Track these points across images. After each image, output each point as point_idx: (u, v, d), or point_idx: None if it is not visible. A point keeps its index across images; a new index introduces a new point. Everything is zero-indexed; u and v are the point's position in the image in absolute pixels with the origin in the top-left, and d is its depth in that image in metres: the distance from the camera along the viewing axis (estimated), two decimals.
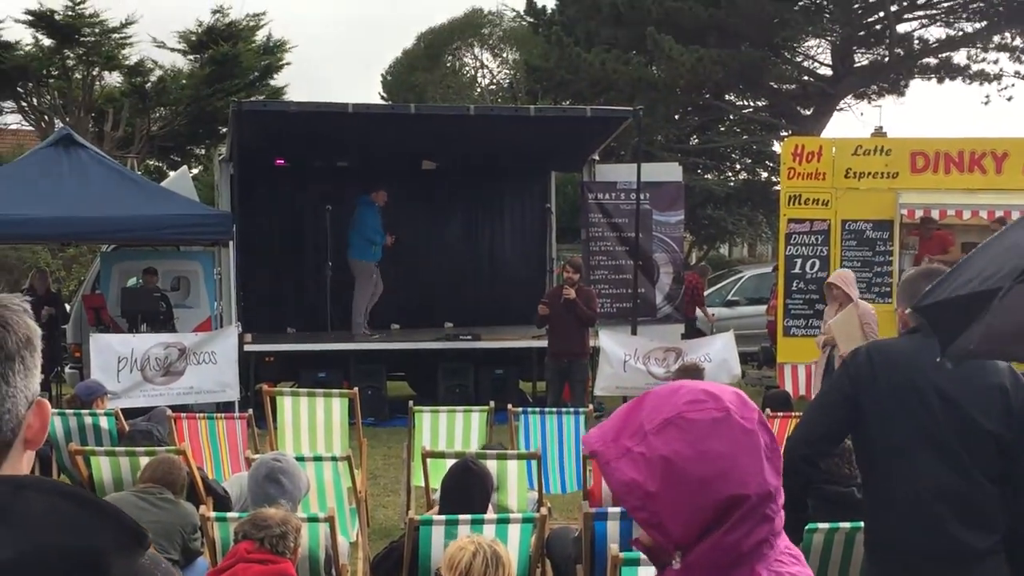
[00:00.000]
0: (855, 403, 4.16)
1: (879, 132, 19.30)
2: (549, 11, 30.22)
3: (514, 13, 41.35)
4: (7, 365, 1.73)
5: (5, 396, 1.72)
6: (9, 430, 1.73)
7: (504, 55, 47.06)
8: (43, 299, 15.74)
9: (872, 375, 4.15)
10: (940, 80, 27.61)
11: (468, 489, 5.85)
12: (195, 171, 29.80)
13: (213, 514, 5.75)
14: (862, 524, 5.12)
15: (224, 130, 21.65)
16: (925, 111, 70.11)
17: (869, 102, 30.83)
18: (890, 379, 4.12)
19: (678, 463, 1.94)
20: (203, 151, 33.12)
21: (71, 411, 9.02)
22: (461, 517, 5.52)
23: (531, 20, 31.94)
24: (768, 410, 8.88)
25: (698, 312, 19.15)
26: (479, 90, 44.93)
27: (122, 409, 9.44)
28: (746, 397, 2.06)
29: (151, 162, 32.53)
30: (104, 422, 8.85)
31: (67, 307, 17.78)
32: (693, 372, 9.59)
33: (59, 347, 16.03)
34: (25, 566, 1.55)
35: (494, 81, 47.27)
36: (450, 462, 6.42)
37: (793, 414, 8.93)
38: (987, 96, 34.12)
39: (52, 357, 15.67)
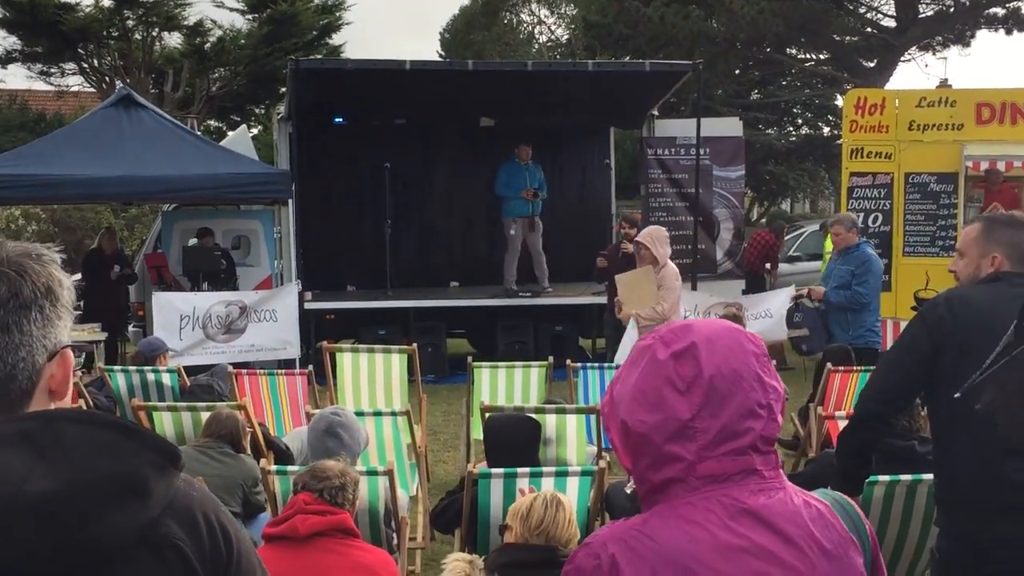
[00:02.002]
0: (934, 356, 4.08)
1: (944, 84, 19.00)
2: None
3: None
4: (21, 314, 1.73)
5: (19, 344, 1.73)
6: (25, 379, 1.74)
7: (562, 10, 46.71)
8: (111, 258, 15.92)
9: (952, 325, 4.05)
10: (1008, 31, 27.04)
11: (497, 446, 5.91)
12: (255, 130, 29.99)
13: (274, 467, 5.79)
14: (923, 477, 5.08)
15: (283, 89, 21.67)
16: (991, 63, 68.73)
17: (934, 54, 30.33)
18: (971, 329, 4.02)
19: (611, 390, 2.08)
20: (262, 110, 33.26)
21: (134, 368, 9.14)
22: (520, 470, 5.53)
23: None
24: (829, 364, 8.79)
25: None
26: (537, 47, 44.70)
27: (185, 367, 9.54)
28: (698, 329, 2.05)
29: (211, 122, 32.71)
30: (166, 378, 8.96)
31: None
32: (733, 321, 9.54)
33: (127, 305, 16.21)
34: (70, 496, 1.57)
35: (552, 38, 46.99)
36: None
37: (854, 368, 8.82)
38: None
39: (120, 314, 15.87)
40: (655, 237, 9.70)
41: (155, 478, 1.65)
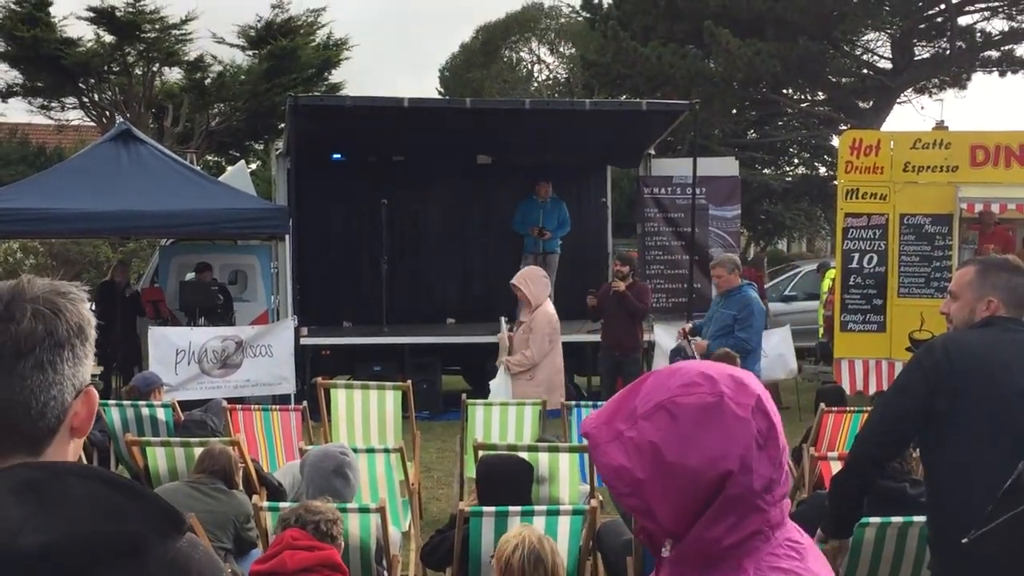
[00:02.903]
0: (930, 399, 4.10)
1: (940, 126, 19.07)
2: (605, 6, 30.13)
3: (570, 8, 41.33)
4: (56, 352, 1.75)
5: (52, 383, 1.74)
6: (53, 417, 1.75)
7: (561, 50, 46.96)
8: (122, 292, 15.94)
9: (948, 370, 4.08)
10: (1002, 73, 27.20)
11: (493, 484, 5.91)
12: (253, 166, 30.07)
13: (266, 504, 5.80)
14: (914, 519, 5.09)
15: (282, 125, 21.80)
16: (987, 105, 69.05)
17: (930, 96, 30.46)
18: (968, 374, 4.06)
19: (665, 449, 1.89)
20: (261, 146, 33.39)
21: (128, 402, 9.14)
22: (511, 509, 5.54)
23: (587, 15, 31.86)
24: (822, 405, 8.80)
25: None
26: (535, 85, 44.91)
27: (180, 401, 9.55)
28: (748, 381, 1.99)
29: (210, 157, 32.82)
30: (161, 413, 8.97)
31: None
32: (724, 359, 9.54)
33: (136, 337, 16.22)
34: (65, 549, 1.58)
35: (551, 76, 47.21)
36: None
37: (847, 409, 8.83)
38: None
39: (132, 347, 15.80)
40: (527, 277, 9.80)
41: (154, 541, 1.67)
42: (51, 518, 1.60)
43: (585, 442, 6.21)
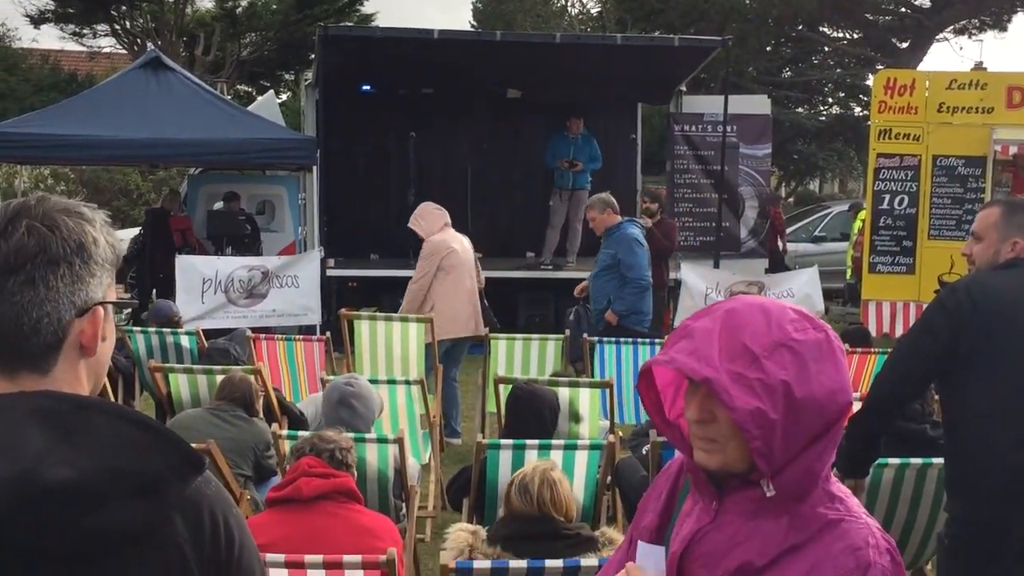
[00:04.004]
0: (952, 342, 4.06)
1: (979, 67, 18.80)
2: None
3: None
4: (48, 269, 1.74)
5: (45, 300, 1.74)
6: (49, 333, 1.74)
7: None
8: (175, 220, 15.97)
9: (971, 312, 4.05)
10: None
11: (518, 414, 5.90)
12: (283, 96, 30.01)
13: (285, 432, 5.83)
14: (933, 461, 5.07)
15: (312, 56, 21.71)
16: None
17: (969, 36, 30.00)
18: (991, 316, 4.03)
19: (796, 387, 1.92)
20: (291, 77, 33.31)
21: (154, 329, 9.20)
22: (528, 442, 5.55)
23: None
24: (847, 346, 8.76)
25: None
26: (568, 19, 44.49)
27: (205, 331, 9.59)
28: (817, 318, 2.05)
29: (240, 87, 32.78)
30: (185, 340, 9.03)
31: None
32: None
33: None
34: (87, 485, 1.58)
35: (584, 10, 46.76)
36: None
37: (872, 350, 8.79)
38: None
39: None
40: (417, 214, 9.78)
41: (173, 481, 1.68)
42: (76, 452, 1.60)
43: (607, 377, 6.18)
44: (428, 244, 9.53)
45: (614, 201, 10.22)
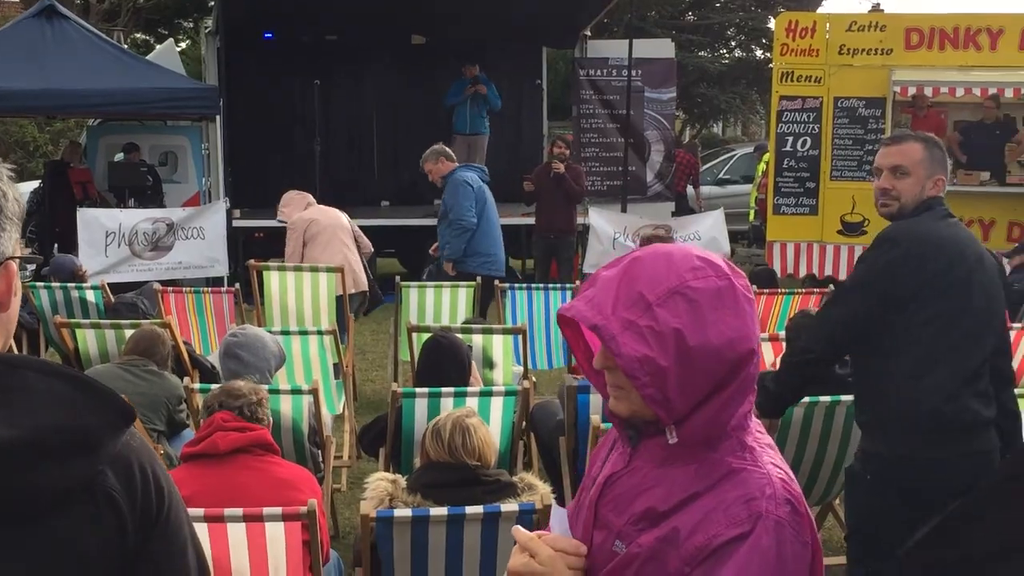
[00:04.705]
0: (901, 291, 4.11)
1: (876, 9, 19.01)
2: None
3: None
4: None
5: None
6: None
7: None
8: (75, 172, 15.62)
9: (919, 261, 4.10)
10: None
11: (439, 363, 5.89)
12: (182, 45, 29.43)
13: (197, 385, 5.78)
14: (841, 398, 5.18)
15: (211, 3, 21.31)
16: None
17: None
18: (936, 266, 4.11)
19: (688, 334, 1.91)
20: (191, 24, 32.65)
21: (57, 284, 9.04)
22: (444, 390, 5.57)
23: None
24: (754, 287, 8.86)
25: (689, 190, 19.10)
26: None
27: (111, 285, 9.45)
28: (735, 266, 2.03)
29: (138, 35, 32.06)
30: (90, 295, 8.89)
31: None
32: (656, 241, 9.59)
33: None
34: (24, 445, 1.57)
35: None
36: None
37: (778, 291, 8.93)
38: None
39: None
40: (281, 205, 9.89)
41: (108, 436, 1.67)
42: (13, 411, 1.58)
43: (520, 323, 6.22)
44: (289, 224, 9.56)
45: (447, 150, 10.40)
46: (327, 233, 9.35)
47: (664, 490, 1.99)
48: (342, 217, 9.70)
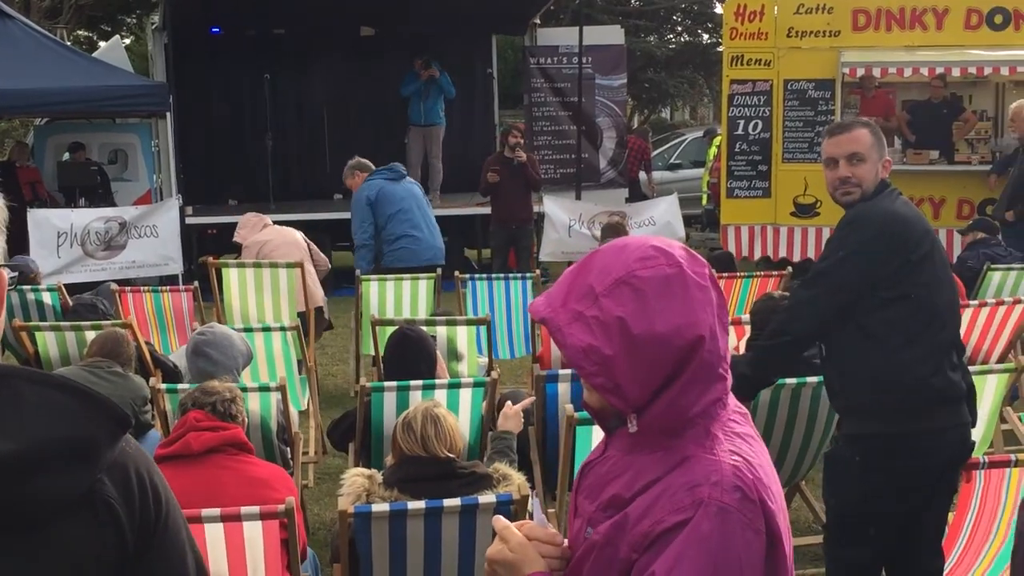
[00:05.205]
0: (878, 273, 4.17)
1: None
2: None
3: None
4: None
5: None
6: None
7: None
8: (24, 172, 15.40)
9: (893, 242, 4.18)
10: None
11: (407, 357, 5.87)
12: (127, 41, 29.14)
13: (164, 386, 5.76)
14: (808, 379, 5.22)
15: None
16: None
17: None
18: (908, 245, 4.19)
19: (632, 322, 1.91)
20: (134, 20, 32.30)
21: (13, 286, 8.93)
22: (412, 383, 5.56)
23: None
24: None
25: (641, 175, 19.18)
26: None
27: (65, 285, 9.36)
28: (695, 253, 2.04)
29: (81, 32, 31.68)
30: (47, 297, 8.80)
31: None
32: (618, 229, 9.62)
33: None
34: (24, 458, 1.55)
35: None
36: None
37: (738, 275, 8.99)
38: None
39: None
40: (239, 224, 9.89)
41: (106, 444, 1.64)
42: (9, 425, 1.56)
43: (480, 315, 6.24)
44: (244, 246, 9.60)
45: (363, 162, 10.54)
46: (279, 252, 9.33)
47: (629, 477, 2.01)
48: (296, 235, 9.67)
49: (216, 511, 3.82)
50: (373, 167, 10.42)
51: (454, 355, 7.09)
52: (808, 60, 13.60)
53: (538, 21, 17.02)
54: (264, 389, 5.70)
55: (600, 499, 2.05)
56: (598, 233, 12.89)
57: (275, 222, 10.06)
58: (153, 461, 1.79)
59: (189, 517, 3.71)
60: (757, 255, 13.58)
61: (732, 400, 2.08)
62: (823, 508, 4.94)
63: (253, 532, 3.90)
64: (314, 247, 9.81)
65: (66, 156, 15.62)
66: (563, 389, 5.56)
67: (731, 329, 6.70)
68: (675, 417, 1.96)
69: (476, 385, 5.71)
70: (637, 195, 17.95)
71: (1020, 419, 6.55)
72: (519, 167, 12.43)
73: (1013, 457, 4.46)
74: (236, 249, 14.37)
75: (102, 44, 23.29)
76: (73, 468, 1.59)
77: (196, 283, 9.56)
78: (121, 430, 1.68)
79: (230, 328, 6.40)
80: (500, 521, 2.10)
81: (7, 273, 1.75)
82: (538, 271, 10.16)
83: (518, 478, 4.13)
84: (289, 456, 5.79)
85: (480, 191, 13.12)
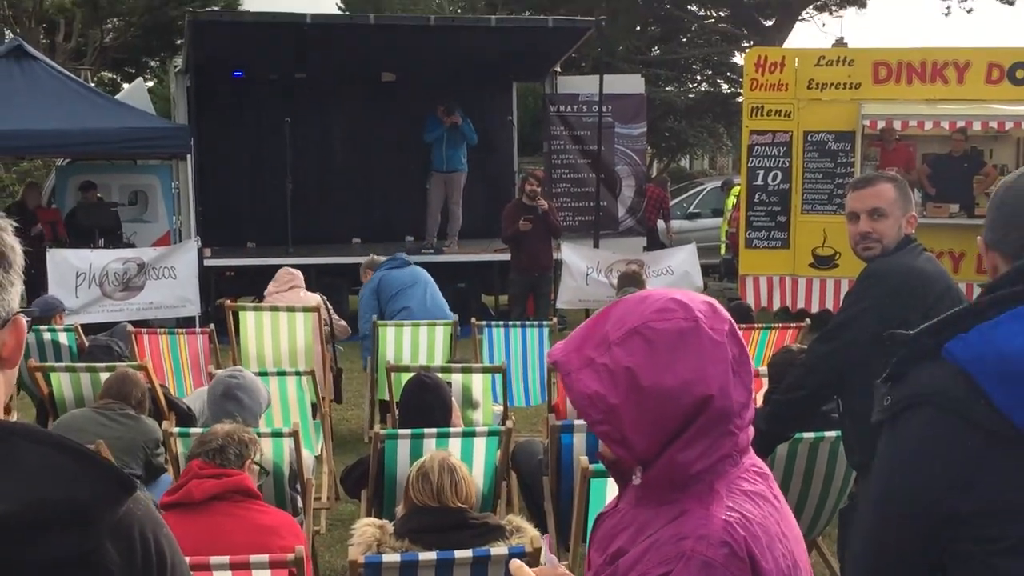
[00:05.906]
0: (880, 328, 4.11)
1: (840, 43, 19.18)
2: None
3: None
4: None
5: None
6: None
7: None
8: (35, 214, 15.45)
9: (911, 297, 4.12)
10: None
11: (424, 404, 5.82)
12: (150, 83, 29.36)
13: (176, 429, 5.72)
14: (825, 434, 5.17)
15: (180, 41, 21.29)
16: (887, 23, 69.83)
17: (831, 13, 30.67)
18: (928, 300, 4.09)
19: (640, 374, 1.89)
20: (158, 63, 32.63)
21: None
22: (427, 431, 5.52)
23: None
24: None
25: (660, 224, 19.17)
26: (437, 2, 44.33)
27: (82, 325, 9.35)
28: (719, 306, 2.00)
29: (105, 74, 32.01)
30: (63, 337, 8.78)
31: None
32: (635, 278, 9.56)
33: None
34: (19, 519, 1.51)
35: None
36: None
37: (755, 326, 8.93)
38: (948, 7, 33.74)
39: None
40: (273, 285, 9.85)
41: (105, 508, 1.60)
42: (5, 485, 1.52)
43: (496, 363, 6.22)
44: (264, 300, 9.72)
45: (375, 259, 10.59)
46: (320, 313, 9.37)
47: (634, 531, 1.99)
48: (311, 302, 9.55)
49: (225, 559, 3.78)
50: (383, 260, 10.44)
51: (469, 403, 7.04)
52: (828, 112, 13.60)
53: (559, 69, 17.07)
54: (277, 435, 5.67)
55: (607, 552, 2.04)
56: (616, 281, 12.87)
57: (293, 266, 10.04)
58: (162, 521, 1.75)
59: (197, 565, 3.70)
60: (776, 306, 13.53)
61: (751, 458, 2.05)
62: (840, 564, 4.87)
63: None
64: (334, 314, 9.77)
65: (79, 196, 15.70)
66: (578, 440, 5.50)
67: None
68: (677, 472, 1.94)
69: (491, 434, 5.66)
70: (655, 244, 17.95)
71: None
72: (542, 215, 12.43)
73: None
74: (252, 291, 14.49)
75: (126, 86, 23.44)
76: (71, 531, 1.55)
77: (212, 326, 9.54)
78: (124, 493, 1.63)
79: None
80: (515, 563, 2.07)
81: (24, 319, 1.72)
82: (555, 319, 10.12)
83: (531, 531, 4.08)
84: (299, 503, 5.74)
85: (503, 238, 13.03)
